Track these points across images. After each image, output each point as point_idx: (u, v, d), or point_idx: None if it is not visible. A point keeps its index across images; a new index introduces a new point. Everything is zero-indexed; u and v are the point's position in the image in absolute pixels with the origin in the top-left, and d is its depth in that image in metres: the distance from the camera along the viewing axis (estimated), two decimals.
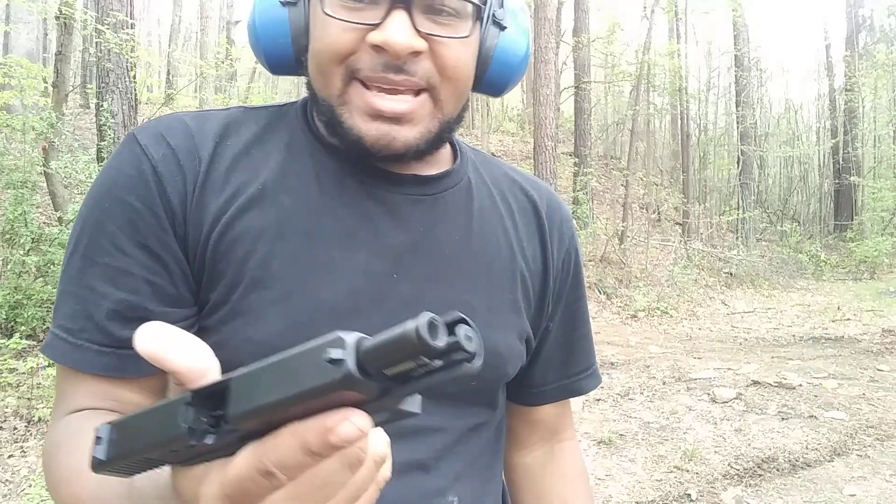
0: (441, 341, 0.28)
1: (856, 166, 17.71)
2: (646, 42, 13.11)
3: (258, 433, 0.32)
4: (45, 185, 5.61)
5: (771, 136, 20.22)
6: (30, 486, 3.06)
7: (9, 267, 4.54)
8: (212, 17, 16.59)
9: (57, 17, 5.73)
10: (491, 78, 0.69)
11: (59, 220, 5.14)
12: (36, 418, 3.57)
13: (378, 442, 0.34)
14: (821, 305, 9.76)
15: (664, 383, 5.10)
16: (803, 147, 21.06)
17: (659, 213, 13.59)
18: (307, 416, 0.30)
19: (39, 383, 3.78)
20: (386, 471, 0.36)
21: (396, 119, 0.60)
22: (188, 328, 0.61)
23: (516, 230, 0.74)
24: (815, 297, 10.79)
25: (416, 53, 0.59)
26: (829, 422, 4.10)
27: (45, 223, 5.27)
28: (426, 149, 0.64)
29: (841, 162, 18.31)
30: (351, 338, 0.29)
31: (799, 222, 18.76)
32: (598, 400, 4.61)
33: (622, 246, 10.68)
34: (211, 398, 0.33)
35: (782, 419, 4.18)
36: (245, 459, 0.32)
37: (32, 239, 4.58)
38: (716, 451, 3.67)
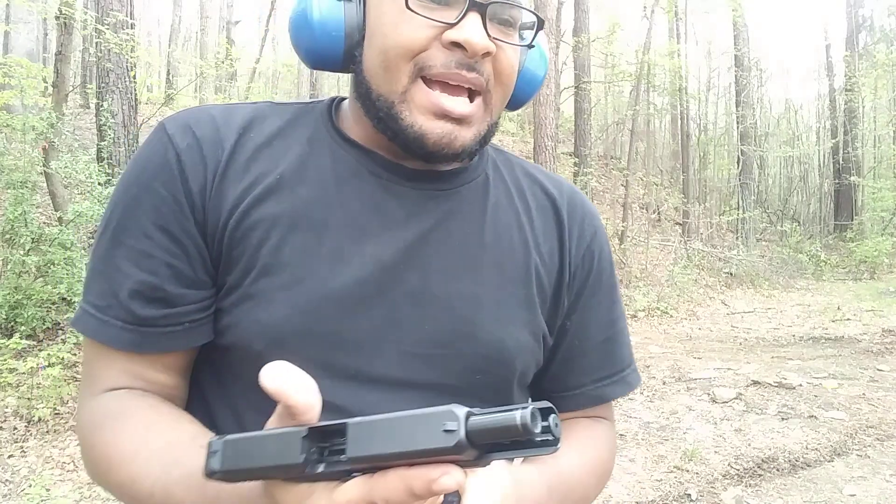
0: (538, 428, 0.36)
1: (856, 166, 17.71)
2: (646, 42, 13.11)
3: (361, 471, 0.40)
4: (45, 185, 5.61)
5: (771, 136, 20.22)
6: (30, 486, 3.06)
7: (9, 267, 4.54)
8: (212, 17, 16.60)
9: (57, 17, 5.73)
10: (517, 92, 0.72)
11: (59, 220, 5.14)
12: (36, 418, 3.57)
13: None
14: (821, 305, 9.76)
15: (664, 383, 5.10)
16: (803, 147, 21.05)
17: (659, 213, 13.59)
18: (412, 465, 0.38)
19: (39, 383, 3.78)
20: None
21: (459, 120, 0.62)
22: (205, 309, 0.65)
23: (532, 227, 0.74)
24: (815, 297, 10.79)
25: (489, 54, 0.62)
26: (829, 422, 4.10)
27: (45, 223, 5.27)
28: (476, 149, 0.66)
29: (841, 162, 18.31)
30: (461, 412, 0.37)
31: (799, 222, 18.76)
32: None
33: (622, 246, 10.68)
34: (323, 435, 0.41)
35: (782, 419, 4.18)
36: (356, 489, 0.40)
37: (32, 239, 4.58)
38: (716, 451, 3.67)
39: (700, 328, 8.34)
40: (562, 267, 0.75)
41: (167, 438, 0.58)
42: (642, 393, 4.83)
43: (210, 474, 0.43)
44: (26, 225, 4.55)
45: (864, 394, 4.68)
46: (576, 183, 11.24)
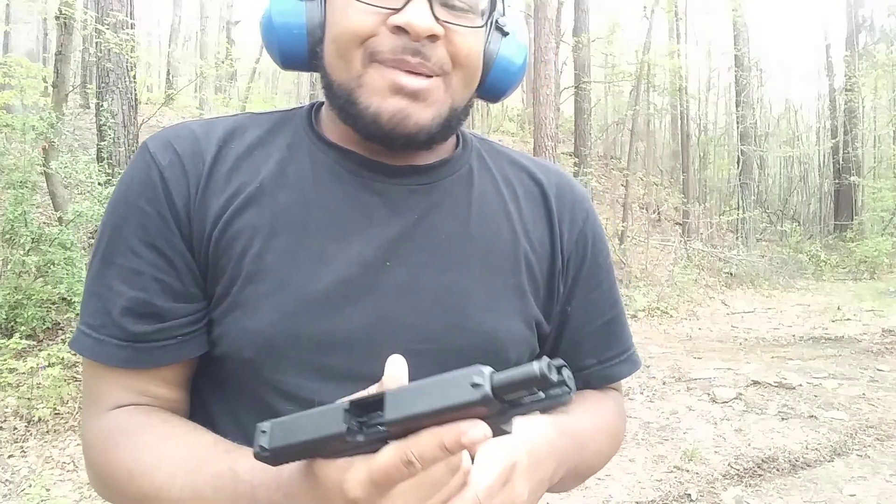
0: (555, 377, 0.40)
1: (856, 166, 17.70)
2: (646, 42, 13.11)
3: (396, 437, 0.43)
4: (45, 185, 5.61)
5: (771, 136, 20.21)
6: (30, 486, 3.06)
7: (9, 267, 4.54)
8: (212, 17, 16.61)
9: (57, 17, 5.73)
10: (492, 82, 0.71)
11: (60, 220, 5.14)
12: (36, 418, 3.57)
13: (467, 461, 0.46)
14: (821, 305, 9.76)
15: (664, 383, 5.10)
16: (803, 147, 21.05)
17: (659, 213, 13.59)
18: (440, 424, 0.41)
19: (39, 383, 3.78)
20: (468, 484, 0.48)
21: (414, 95, 0.62)
22: (197, 321, 0.66)
23: (520, 215, 0.74)
24: (815, 297, 10.79)
25: (434, 38, 0.62)
26: (829, 422, 4.10)
27: (45, 223, 5.27)
28: (436, 133, 0.65)
29: (841, 162, 18.30)
30: (487, 370, 0.40)
31: (799, 222, 18.75)
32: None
33: (622, 246, 10.68)
34: (363, 407, 0.44)
35: (782, 419, 4.18)
36: (391, 451, 0.42)
37: (32, 239, 4.58)
38: (716, 451, 3.67)
39: (700, 328, 8.33)
40: (553, 253, 0.75)
41: (188, 446, 0.60)
42: (642, 393, 4.83)
43: (260, 453, 0.45)
44: (26, 225, 4.55)
45: (864, 394, 4.68)
46: None
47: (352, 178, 0.68)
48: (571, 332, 0.77)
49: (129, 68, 5.99)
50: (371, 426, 0.43)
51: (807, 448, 3.68)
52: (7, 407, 3.64)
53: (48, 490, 3.03)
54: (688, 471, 3.41)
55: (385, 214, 0.67)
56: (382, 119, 0.63)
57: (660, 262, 11.22)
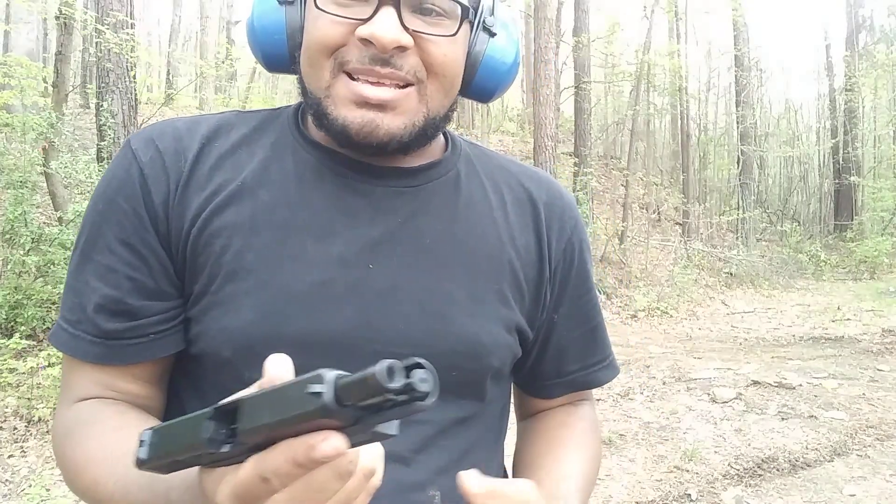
0: (398, 383, 0.35)
1: (856, 166, 17.71)
2: (646, 42, 13.11)
3: (263, 446, 0.39)
4: (45, 185, 5.61)
5: (771, 136, 20.21)
6: (30, 485, 3.06)
7: (9, 267, 4.54)
8: (212, 17, 16.59)
9: (57, 17, 5.73)
10: (479, 83, 0.71)
11: (60, 220, 5.14)
12: (36, 418, 3.57)
13: (368, 457, 0.42)
14: (821, 305, 9.76)
15: (664, 383, 5.10)
16: (803, 147, 21.05)
17: (659, 213, 13.60)
18: (300, 434, 0.37)
19: (39, 383, 3.78)
20: (377, 480, 0.43)
21: (381, 106, 0.62)
22: (171, 319, 0.66)
23: (507, 221, 0.74)
24: (815, 297, 10.79)
25: (403, 48, 0.61)
26: (829, 422, 4.10)
27: (45, 223, 5.27)
28: (410, 142, 0.65)
29: (841, 162, 18.30)
30: (330, 375, 0.35)
31: (799, 222, 18.75)
32: (599, 400, 4.61)
33: (622, 246, 10.68)
34: (230, 414, 0.39)
35: (782, 419, 4.18)
36: (249, 466, 0.39)
37: (32, 239, 4.58)
38: (716, 451, 3.67)
39: (700, 328, 8.33)
40: (541, 261, 0.75)
41: (129, 443, 0.58)
42: (642, 393, 4.83)
43: (140, 465, 0.43)
44: (26, 225, 4.55)
45: (864, 394, 4.68)
46: (576, 183, 11.24)
47: (336, 178, 0.68)
48: (558, 339, 0.77)
49: (129, 68, 5.99)
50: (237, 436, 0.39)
51: (807, 448, 3.68)
52: (7, 407, 3.64)
53: (48, 490, 3.03)
54: (688, 471, 3.41)
55: (369, 216, 0.67)
56: (351, 130, 0.62)
57: (660, 262, 11.22)
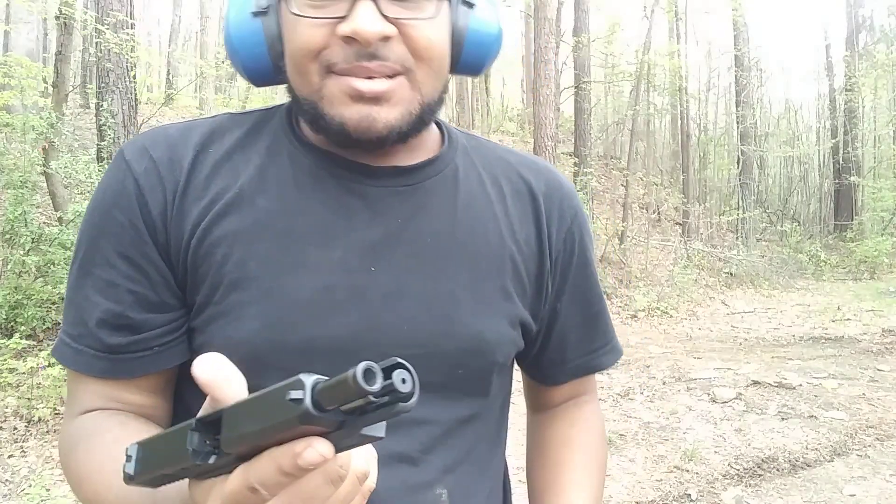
0: (376, 386, 0.34)
1: (856, 166, 17.71)
2: (646, 42, 13.11)
3: (249, 455, 0.38)
4: (45, 185, 5.61)
5: (771, 136, 20.21)
6: (30, 485, 3.06)
7: (9, 267, 4.55)
8: (212, 17, 16.58)
9: (57, 17, 5.73)
10: (467, 57, 0.69)
11: (60, 220, 5.14)
12: (36, 418, 3.57)
13: (360, 460, 0.41)
14: (821, 305, 9.76)
15: (664, 383, 5.10)
16: (803, 147, 21.05)
17: (659, 213, 13.60)
18: (284, 441, 0.36)
19: (39, 383, 3.78)
20: (371, 483, 0.43)
21: (376, 99, 0.61)
22: (175, 331, 0.65)
23: (507, 215, 0.73)
24: (815, 297, 10.79)
25: (387, 38, 0.60)
26: (829, 422, 4.10)
27: (45, 223, 5.27)
28: (408, 130, 0.64)
29: (841, 162, 18.31)
30: (310, 380, 0.35)
31: (799, 222, 18.75)
32: (598, 400, 4.61)
33: (622, 246, 10.68)
34: (213, 425, 0.39)
35: (782, 419, 4.18)
36: (237, 476, 0.38)
37: (32, 239, 4.58)
38: (716, 451, 3.67)
39: (700, 328, 8.34)
40: (541, 252, 0.74)
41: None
42: (642, 393, 4.83)
43: (128, 480, 0.42)
44: (26, 225, 4.55)
45: (864, 394, 4.68)
46: (576, 183, 11.23)
47: (333, 181, 0.67)
48: (561, 328, 0.78)
49: (129, 68, 5.99)
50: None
51: (807, 448, 3.68)
52: (7, 407, 3.64)
53: (48, 490, 3.03)
54: (688, 471, 3.41)
55: (368, 218, 0.66)
56: (349, 127, 0.61)
57: (660, 262, 11.22)
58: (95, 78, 6.63)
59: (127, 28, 5.94)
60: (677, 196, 13.81)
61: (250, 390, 0.43)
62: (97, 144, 5.93)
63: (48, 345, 4.14)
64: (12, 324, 4.26)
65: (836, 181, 18.26)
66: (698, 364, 5.78)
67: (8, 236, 4.58)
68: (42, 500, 2.94)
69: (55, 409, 3.68)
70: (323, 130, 0.64)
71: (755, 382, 4.98)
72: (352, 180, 0.67)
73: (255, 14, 0.66)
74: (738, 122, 15.71)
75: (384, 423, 0.38)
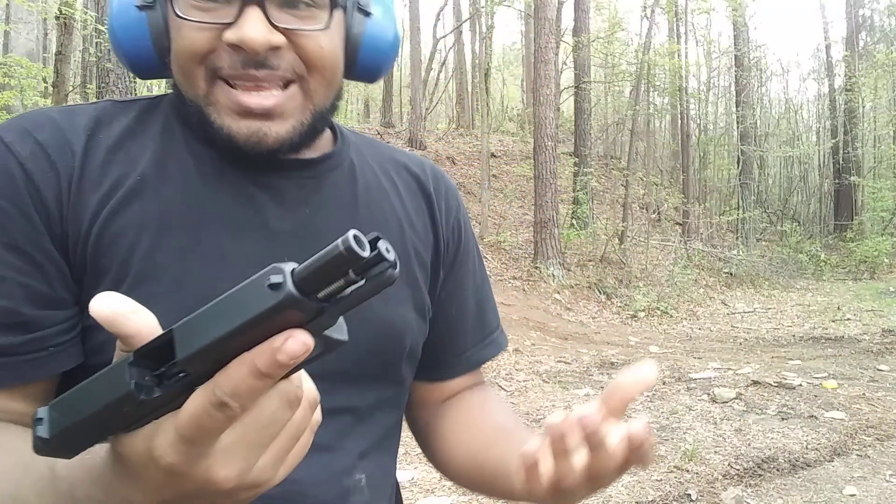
0: (366, 252, 0.31)
1: (856, 166, 17.72)
2: (646, 42, 13.12)
3: (204, 378, 0.34)
4: None
5: (771, 136, 20.23)
6: None
7: None
8: None
9: (57, 17, 5.74)
10: (363, 64, 0.69)
11: None
12: None
13: (311, 386, 0.39)
14: (821, 305, 9.77)
15: (664, 383, 5.10)
16: (803, 147, 21.07)
17: (659, 213, 13.60)
18: (252, 347, 0.33)
19: None
20: (318, 415, 0.41)
21: (266, 115, 0.59)
22: (72, 329, 0.59)
23: (404, 206, 0.75)
24: (815, 297, 10.79)
25: (275, 48, 0.58)
26: (829, 422, 4.10)
27: None
28: (300, 141, 0.63)
29: (841, 162, 18.32)
30: (287, 266, 0.32)
31: (799, 222, 18.77)
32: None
33: (622, 246, 10.68)
34: (153, 355, 0.34)
35: (782, 419, 4.18)
36: (198, 396, 0.34)
37: None
38: (716, 451, 3.67)
39: (700, 328, 8.34)
40: (437, 241, 0.77)
41: (18, 452, 0.50)
42: (642, 393, 4.83)
43: (40, 448, 0.36)
44: None
45: (864, 394, 4.68)
46: (576, 183, 11.25)
47: (236, 170, 0.65)
48: (445, 317, 0.79)
49: None
50: (171, 375, 0.34)
51: (807, 448, 3.68)
52: None
53: None
54: (688, 471, 3.41)
55: (277, 210, 0.65)
56: (238, 141, 0.60)
57: (660, 262, 11.22)
58: (95, 78, 6.63)
59: None
60: (677, 196, 13.82)
61: None
62: None
63: None
64: None
65: (836, 181, 18.27)
66: (698, 364, 5.78)
67: None
68: None
69: None
70: (210, 137, 0.62)
71: (755, 382, 4.98)
72: (256, 171, 0.66)
73: (141, 8, 0.63)
74: (738, 122, 15.72)
75: (345, 326, 0.37)
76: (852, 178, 16.63)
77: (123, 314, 0.35)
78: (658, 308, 8.86)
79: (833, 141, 18.76)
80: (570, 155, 12.72)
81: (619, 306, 9.01)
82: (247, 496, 0.39)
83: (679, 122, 15.32)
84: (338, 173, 0.71)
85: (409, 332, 0.71)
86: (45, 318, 0.57)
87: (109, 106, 0.67)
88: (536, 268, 9.20)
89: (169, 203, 0.62)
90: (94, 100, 0.69)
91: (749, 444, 3.76)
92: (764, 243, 15.07)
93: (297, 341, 0.32)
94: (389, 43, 0.70)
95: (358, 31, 0.67)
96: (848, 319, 8.52)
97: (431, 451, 0.83)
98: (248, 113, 0.59)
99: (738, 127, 15.81)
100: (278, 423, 0.37)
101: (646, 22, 13.36)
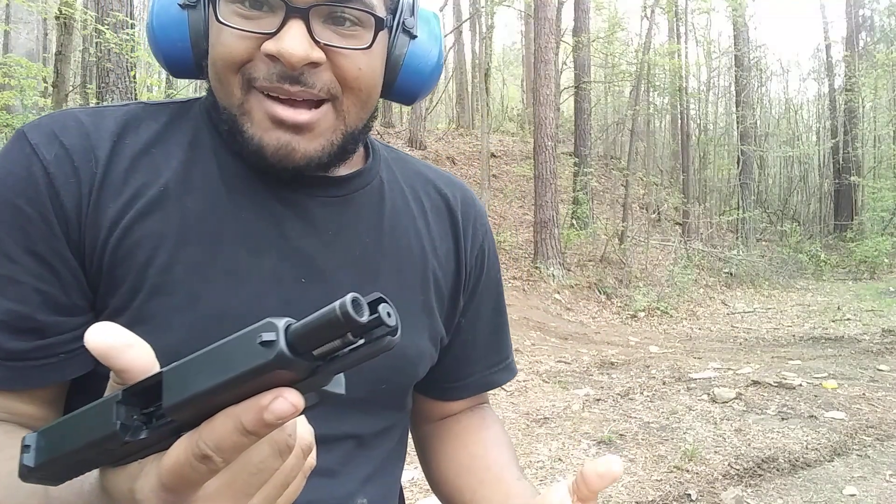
0: (364, 317, 0.31)
1: (856, 166, 17.73)
2: (646, 42, 13.12)
3: (191, 424, 0.33)
4: None
5: (771, 136, 20.23)
6: None
7: None
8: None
9: (57, 17, 5.74)
10: (401, 86, 0.68)
11: None
12: None
13: (305, 432, 0.38)
14: (821, 305, 9.77)
15: (664, 383, 5.10)
16: (803, 147, 21.07)
17: (659, 213, 13.60)
18: (240, 401, 0.32)
19: None
20: (312, 460, 0.40)
21: (297, 128, 0.59)
22: (82, 337, 0.57)
23: (429, 230, 0.74)
24: (815, 297, 10.80)
25: (314, 65, 0.57)
26: (829, 422, 4.10)
27: None
28: (329, 161, 0.62)
29: (841, 162, 18.33)
30: (281, 322, 0.31)
31: (799, 222, 18.77)
32: (598, 400, 4.61)
33: (622, 246, 10.68)
34: (143, 395, 0.34)
35: (782, 419, 4.18)
36: (182, 446, 0.33)
37: None
38: (716, 451, 3.67)
39: (700, 328, 8.34)
40: (458, 268, 0.75)
41: (13, 463, 0.49)
42: (642, 393, 4.83)
43: (26, 475, 0.36)
44: None
45: (864, 394, 4.68)
46: (576, 183, 11.25)
47: (262, 185, 0.63)
48: (461, 343, 0.78)
49: (129, 68, 5.99)
50: (159, 416, 0.33)
51: (807, 448, 3.68)
52: None
53: None
54: (688, 471, 3.41)
55: (299, 228, 0.64)
56: (266, 152, 0.59)
57: (660, 262, 11.23)
58: (95, 78, 6.63)
59: (127, 28, 5.94)
60: (677, 196, 13.82)
61: None
62: None
63: None
64: None
65: (836, 181, 18.27)
66: (698, 364, 5.78)
67: None
68: None
69: None
70: (239, 146, 0.61)
71: (755, 382, 4.98)
72: (281, 187, 0.64)
73: (183, 6, 0.62)
74: (738, 122, 15.72)
75: (344, 379, 0.36)
76: (852, 178, 16.63)
77: (118, 348, 0.34)
78: (658, 308, 8.86)
79: (833, 141, 18.76)
80: (570, 155, 12.72)
81: (619, 306, 9.01)
82: None
83: (679, 122, 15.32)
84: (366, 192, 0.70)
85: (423, 362, 0.71)
86: (58, 325, 0.57)
87: (140, 110, 0.66)
88: (536, 268, 9.21)
89: (190, 215, 0.61)
90: (124, 101, 0.67)
91: (749, 444, 3.76)
92: (764, 243, 15.07)
93: (286, 402, 0.31)
94: (431, 67, 0.69)
95: (400, 53, 0.66)
96: (848, 319, 8.52)
97: (424, 464, 0.83)
98: (280, 123, 0.58)
99: (738, 127, 15.81)
100: (267, 472, 0.36)
101: (646, 22, 13.36)
